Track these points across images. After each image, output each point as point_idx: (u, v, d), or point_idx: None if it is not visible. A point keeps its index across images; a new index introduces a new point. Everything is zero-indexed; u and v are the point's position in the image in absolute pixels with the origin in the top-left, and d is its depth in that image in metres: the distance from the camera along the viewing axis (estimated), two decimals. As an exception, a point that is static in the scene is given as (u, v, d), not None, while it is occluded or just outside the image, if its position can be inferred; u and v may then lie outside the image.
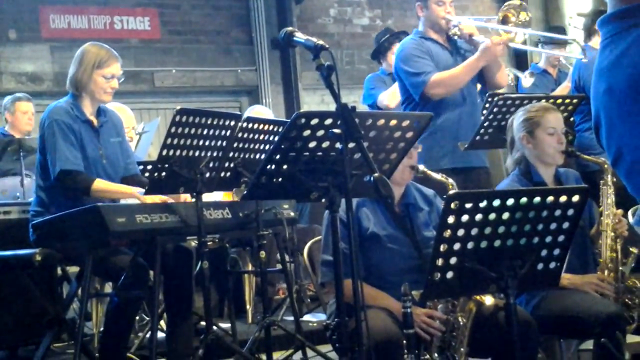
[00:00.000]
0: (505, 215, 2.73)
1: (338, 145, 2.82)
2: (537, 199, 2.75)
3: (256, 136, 4.30)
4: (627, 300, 3.67)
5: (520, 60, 10.96)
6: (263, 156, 4.27)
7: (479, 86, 5.35)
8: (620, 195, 3.82)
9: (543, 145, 3.82)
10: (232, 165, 4.22)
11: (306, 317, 5.55)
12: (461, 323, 3.29)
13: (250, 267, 5.87)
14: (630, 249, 3.56)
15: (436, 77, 4.86)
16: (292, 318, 4.95)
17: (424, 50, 5.00)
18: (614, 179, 3.88)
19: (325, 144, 2.89)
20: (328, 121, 2.85)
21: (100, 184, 4.11)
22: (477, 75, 5.09)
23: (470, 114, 5.04)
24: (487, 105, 5.11)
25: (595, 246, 3.80)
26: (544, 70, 7.32)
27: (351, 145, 2.78)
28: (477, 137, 4.88)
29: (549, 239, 2.84)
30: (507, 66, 10.87)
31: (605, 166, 3.95)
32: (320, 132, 2.87)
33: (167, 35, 9.13)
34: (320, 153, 2.91)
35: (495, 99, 4.89)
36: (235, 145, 4.19)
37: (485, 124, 4.83)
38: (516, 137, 3.89)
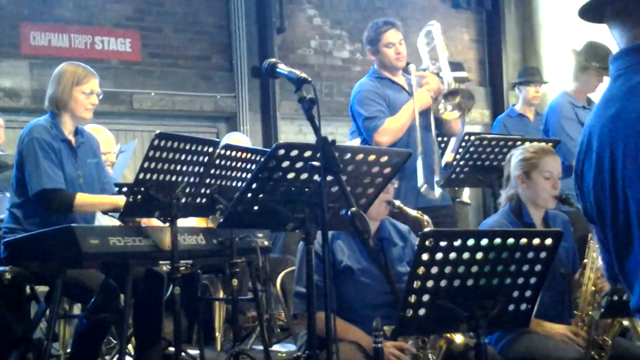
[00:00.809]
0: (479, 255, 2.75)
1: (316, 177, 2.84)
2: (511, 241, 2.78)
3: (233, 164, 4.30)
4: (595, 354, 3.68)
5: (496, 101, 11.10)
6: (240, 184, 4.28)
7: None
8: None
9: (537, 188, 3.81)
10: (208, 191, 4.22)
11: (275, 347, 5.54)
12: (431, 360, 3.31)
13: (221, 294, 5.85)
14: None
15: (385, 125, 4.88)
16: (261, 347, 4.94)
17: (379, 93, 5.03)
18: None
19: (303, 176, 2.91)
20: (307, 153, 2.87)
21: (81, 198, 4.10)
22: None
23: (427, 156, 5.02)
24: (463, 144, 5.17)
25: (574, 294, 3.80)
26: (519, 114, 7.35)
27: (329, 178, 2.81)
28: (452, 175, 4.93)
29: (521, 280, 2.86)
30: (484, 108, 11.02)
31: None
32: (299, 164, 2.89)
33: (147, 58, 9.14)
34: (298, 184, 2.93)
35: (472, 138, 4.95)
36: (212, 171, 4.19)
37: (461, 163, 4.88)
38: (512, 175, 3.90)
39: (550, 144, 4.87)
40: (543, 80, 7.60)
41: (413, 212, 3.71)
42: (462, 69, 7.67)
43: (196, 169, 4.04)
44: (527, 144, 4.19)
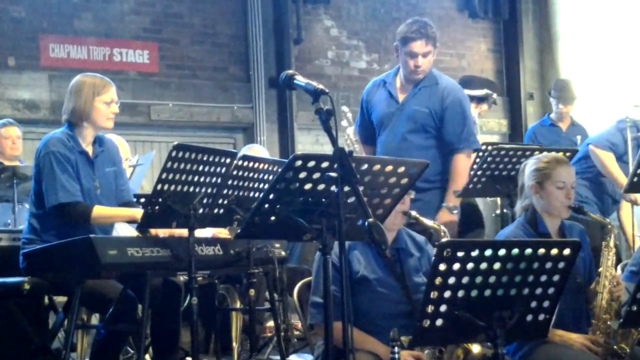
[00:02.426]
0: (497, 265, 2.75)
1: (333, 188, 2.84)
2: (529, 251, 2.77)
3: (251, 174, 4.31)
4: None
5: (514, 111, 11.05)
6: (257, 194, 4.29)
7: None
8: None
9: (550, 198, 3.79)
10: (225, 202, 4.23)
11: (292, 357, 5.53)
12: (447, 370, 3.30)
13: (238, 304, 5.86)
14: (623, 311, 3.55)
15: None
16: (278, 357, 4.94)
17: (366, 103, 5.17)
18: (617, 242, 3.88)
19: (320, 187, 2.91)
20: (325, 164, 2.87)
21: (99, 210, 4.13)
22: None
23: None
24: (480, 154, 5.15)
25: (591, 304, 3.79)
26: (552, 124, 7.41)
27: (346, 189, 2.81)
28: (470, 186, 4.91)
29: (539, 290, 2.85)
30: (501, 117, 10.99)
31: (609, 227, 3.93)
32: (317, 175, 2.89)
33: (165, 70, 9.18)
34: (315, 195, 2.93)
35: (490, 148, 4.94)
36: (229, 182, 4.21)
37: (479, 173, 4.86)
38: (526, 185, 3.88)
39: (568, 153, 4.87)
40: (572, 97, 7.56)
41: (429, 223, 3.71)
42: (489, 87, 7.39)
43: (214, 179, 4.06)
44: (545, 153, 4.16)
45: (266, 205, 2.96)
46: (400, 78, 5.11)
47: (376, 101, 5.12)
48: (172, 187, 3.90)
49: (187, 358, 5.02)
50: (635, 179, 4.89)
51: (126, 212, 4.23)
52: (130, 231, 4.36)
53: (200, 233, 4.25)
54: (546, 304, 2.90)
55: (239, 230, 3.29)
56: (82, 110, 4.25)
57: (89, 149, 4.32)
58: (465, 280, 2.73)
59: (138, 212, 4.06)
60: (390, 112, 5.05)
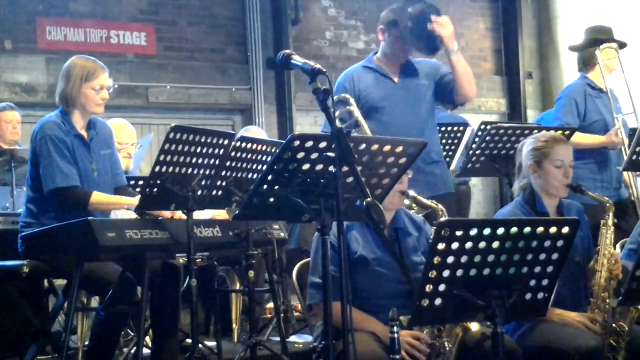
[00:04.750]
0: (496, 245, 2.75)
1: (332, 168, 2.83)
2: (528, 230, 2.77)
3: (249, 156, 4.31)
4: (613, 341, 3.67)
5: (513, 90, 11.00)
6: (255, 176, 4.29)
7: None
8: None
9: (549, 177, 3.81)
10: (224, 184, 4.23)
11: (292, 338, 5.55)
12: (447, 348, 3.31)
13: (238, 286, 5.87)
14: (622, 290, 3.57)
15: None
16: (278, 339, 4.95)
17: (354, 87, 4.74)
18: (615, 220, 3.88)
19: (319, 167, 2.91)
20: (323, 144, 2.86)
21: (97, 197, 4.12)
22: (440, 95, 4.78)
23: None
24: (479, 133, 5.15)
25: (590, 283, 3.80)
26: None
27: (345, 169, 2.80)
28: (469, 165, 4.91)
29: (538, 269, 2.86)
30: (500, 97, 10.95)
31: (608, 205, 3.93)
32: (315, 155, 2.88)
33: (163, 52, 9.16)
34: (313, 176, 2.93)
35: (488, 127, 4.94)
36: (228, 164, 4.20)
37: (478, 152, 4.85)
38: (524, 165, 3.89)
39: (567, 132, 4.86)
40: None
41: (428, 202, 3.70)
42: None
43: (212, 161, 4.05)
44: (543, 132, 4.16)
45: (265, 187, 2.95)
46: (381, 60, 4.85)
47: (369, 86, 4.77)
48: (171, 169, 3.90)
49: (187, 340, 5.03)
50: (635, 157, 4.87)
51: (125, 200, 4.22)
52: (129, 214, 4.35)
53: (199, 215, 4.25)
54: (545, 282, 2.90)
55: (237, 212, 3.29)
56: (70, 95, 4.23)
57: (84, 133, 4.30)
58: (464, 259, 2.73)
59: (136, 201, 4.05)
60: (388, 92, 4.74)
